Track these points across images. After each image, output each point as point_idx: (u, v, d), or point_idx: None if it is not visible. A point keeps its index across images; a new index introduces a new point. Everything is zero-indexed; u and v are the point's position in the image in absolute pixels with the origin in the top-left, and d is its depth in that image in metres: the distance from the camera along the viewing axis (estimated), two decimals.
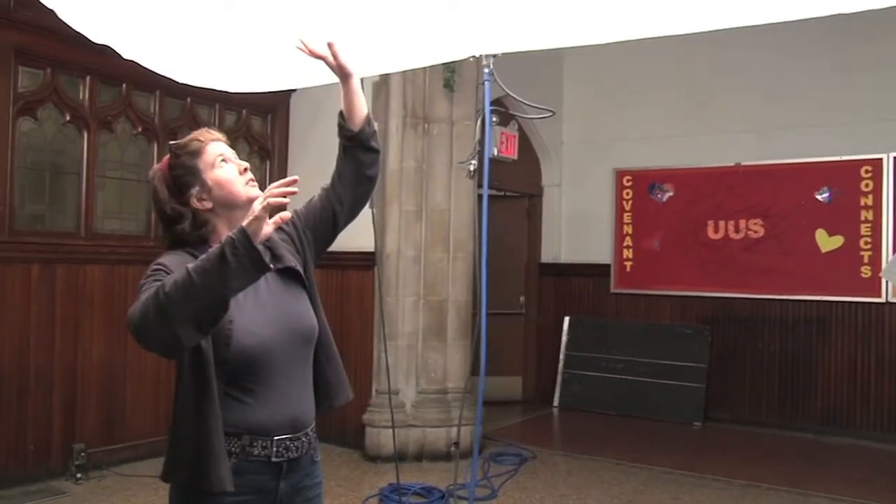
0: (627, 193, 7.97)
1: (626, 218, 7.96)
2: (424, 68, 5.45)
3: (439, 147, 5.83)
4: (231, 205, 1.89)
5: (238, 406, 1.82)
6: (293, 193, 1.61)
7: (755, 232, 7.27)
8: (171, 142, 1.99)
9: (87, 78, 5.25)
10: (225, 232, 1.87)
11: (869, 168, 6.76)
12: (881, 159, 6.71)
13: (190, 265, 1.56)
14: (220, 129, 2.09)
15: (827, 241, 6.94)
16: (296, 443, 1.89)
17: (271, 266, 1.63)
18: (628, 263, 7.95)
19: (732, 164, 7.38)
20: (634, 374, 7.60)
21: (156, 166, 1.96)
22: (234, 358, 1.79)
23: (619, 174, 8.01)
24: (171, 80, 2.65)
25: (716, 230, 7.47)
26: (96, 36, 2.37)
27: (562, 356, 8.04)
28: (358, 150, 2.07)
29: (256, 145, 6.39)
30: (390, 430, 5.22)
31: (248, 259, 1.54)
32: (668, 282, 7.68)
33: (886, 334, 6.71)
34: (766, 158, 7.20)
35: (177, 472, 1.84)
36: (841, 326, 6.91)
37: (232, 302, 1.62)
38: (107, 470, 5.17)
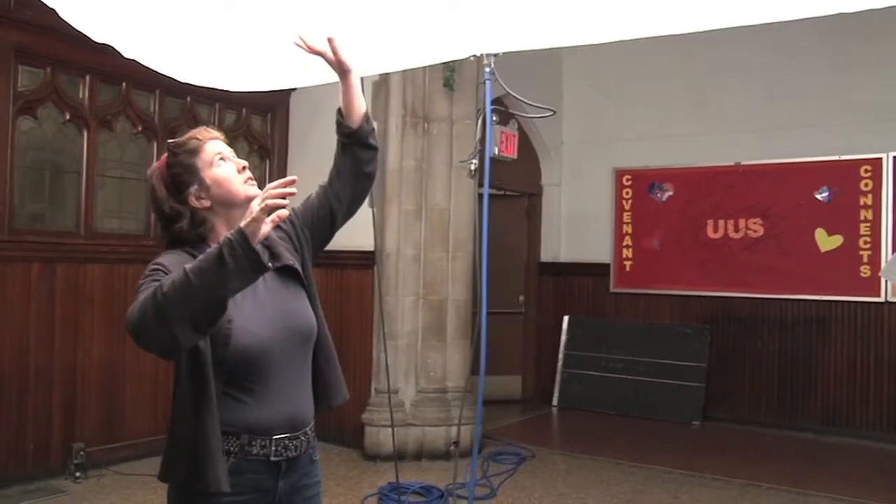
0: (627, 193, 7.98)
1: (626, 217, 7.97)
2: (424, 67, 5.45)
3: (439, 146, 5.83)
4: (229, 203, 1.88)
5: (237, 405, 1.82)
6: (292, 194, 1.60)
7: (755, 231, 7.28)
8: (170, 140, 1.98)
9: (87, 77, 5.25)
10: (223, 231, 1.87)
11: (868, 167, 6.76)
12: (881, 159, 6.72)
13: (188, 266, 1.56)
14: (220, 128, 2.09)
15: (826, 241, 6.94)
16: (294, 442, 1.88)
17: (269, 267, 1.62)
18: (628, 263, 7.95)
19: (732, 163, 7.38)
20: (634, 374, 7.60)
21: (154, 165, 1.95)
22: (232, 357, 1.78)
23: (619, 173, 8.01)
24: (171, 79, 2.65)
25: (715, 230, 7.47)
26: (97, 35, 2.37)
27: (561, 355, 8.04)
28: (356, 147, 2.07)
29: (256, 144, 6.39)
30: (389, 430, 5.23)
31: (246, 260, 1.53)
32: (668, 281, 7.68)
33: (886, 334, 6.72)
34: (765, 158, 7.20)
35: (174, 471, 1.84)
36: (840, 326, 6.91)
37: (230, 301, 1.62)
38: (106, 469, 5.17)
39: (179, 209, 1.87)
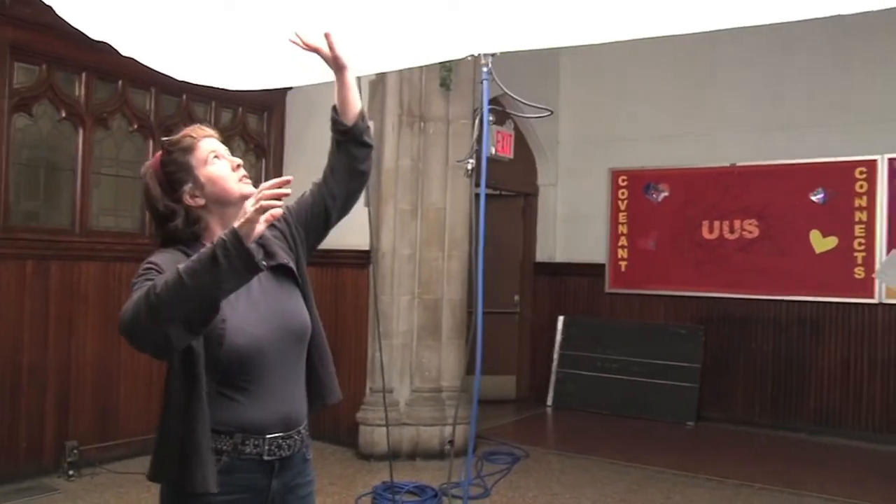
0: (623, 193, 7.99)
1: (622, 217, 7.98)
2: (421, 67, 5.45)
3: (435, 146, 5.82)
4: (224, 201, 1.88)
5: (230, 404, 1.81)
6: (286, 195, 1.59)
7: (750, 232, 7.29)
8: (164, 138, 1.97)
9: (83, 74, 5.24)
10: (218, 229, 1.86)
11: (863, 169, 6.78)
12: (876, 160, 6.74)
13: (181, 266, 1.55)
14: (216, 126, 2.09)
15: (821, 242, 6.96)
16: (288, 441, 1.88)
17: (263, 267, 1.61)
18: (623, 263, 7.96)
19: (728, 164, 7.40)
20: (628, 374, 7.61)
21: (147, 163, 1.94)
22: (226, 357, 1.78)
23: (615, 174, 8.02)
24: (167, 77, 2.65)
25: (711, 230, 7.49)
26: (94, 33, 2.36)
27: (556, 355, 8.05)
28: (351, 144, 2.06)
29: (252, 143, 6.38)
30: (384, 429, 5.22)
31: (239, 261, 1.52)
32: (663, 282, 7.70)
33: (879, 335, 6.74)
34: (761, 159, 7.22)
35: (163, 471, 1.83)
36: (834, 327, 6.93)
37: (224, 300, 1.62)
38: (99, 467, 5.16)
39: (174, 207, 1.86)
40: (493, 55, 2.77)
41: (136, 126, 5.57)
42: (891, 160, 6.68)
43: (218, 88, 2.78)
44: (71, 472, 4.99)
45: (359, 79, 2.13)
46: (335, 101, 2.06)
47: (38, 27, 4.75)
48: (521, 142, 7.08)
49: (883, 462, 6.19)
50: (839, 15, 1.94)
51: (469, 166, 3.62)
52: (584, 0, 2.21)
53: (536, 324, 8.34)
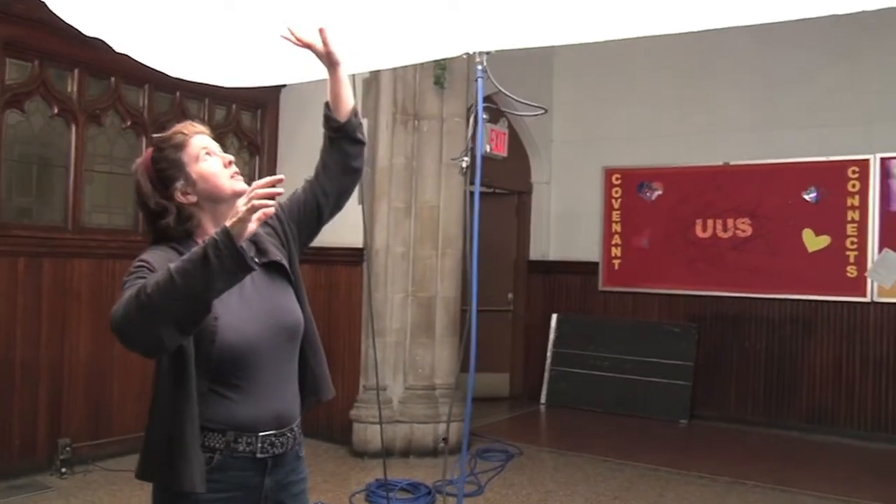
0: (616, 191, 8.00)
1: (615, 216, 7.99)
2: (415, 65, 5.45)
3: (429, 144, 5.82)
4: (216, 198, 1.87)
5: (223, 402, 1.80)
6: (278, 194, 1.58)
7: (743, 231, 7.31)
8: (155, 135, 1.96)
9: (76, 71, 5.22)
10: (210, 226, 1.86)
11: (856, 169, 6.81)
12: (868, 160, 6.76)
13: (172, 265, 1.53)
14: (210, 123, 2.09)
15: (814, 241, 6.98)
16: (281, 439, 1.88)
17: (255, 267, 1.59)
18: (616, 261, 7.97)
19: (721, 163, 7.42)
20: (622, 372, 7.63)
21: (138, 160, 1.92)
22: (219, 355, 1.77)
23: (609, 172, 8.03)
24: (161, 74, 2.64)
25: (704, 229, 7.50)
26: (88, 29, 2.36)
27: (549, 353, 8.06)
28: (344, 141, 2.06)
29: (246, 140, 6.37)
30: (377, 426, 5.22)
31: (231, 260, 1.51)
32: (656, 280, 7.71)
33: (871, 334, 6.77)
34: (754, 158, 7.24)
35: (150, 470, 1.83)
36: (827, 325, 6.96)
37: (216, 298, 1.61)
38: (92, 465, 5.15)
39: (165, 205, 1.85)
40: (487, 53, 2.77)
41: (129, 123, 5.56)
42: (883, 160, 6.71)
43: (211, 85, 2.78)
44: (64, 470, 4.98)
45: (353, 76, 2.13)
46: (328, 97, 2.05)
47: (30, 23, 4.73)
48: (514, 140, 7.07)
49: (874, 460, 6.22)
50: (833, 15, 1.94)
51: (464, 164, 3.62)
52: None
53: (530, 322, 8.34)
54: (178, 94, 5.78)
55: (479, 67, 2.83)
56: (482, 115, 3.04)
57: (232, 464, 1.81)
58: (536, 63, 7.75)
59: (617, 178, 8.00)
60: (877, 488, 5.32)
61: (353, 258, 5.87)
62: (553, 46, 6.14)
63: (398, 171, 5.78)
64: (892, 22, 6.07)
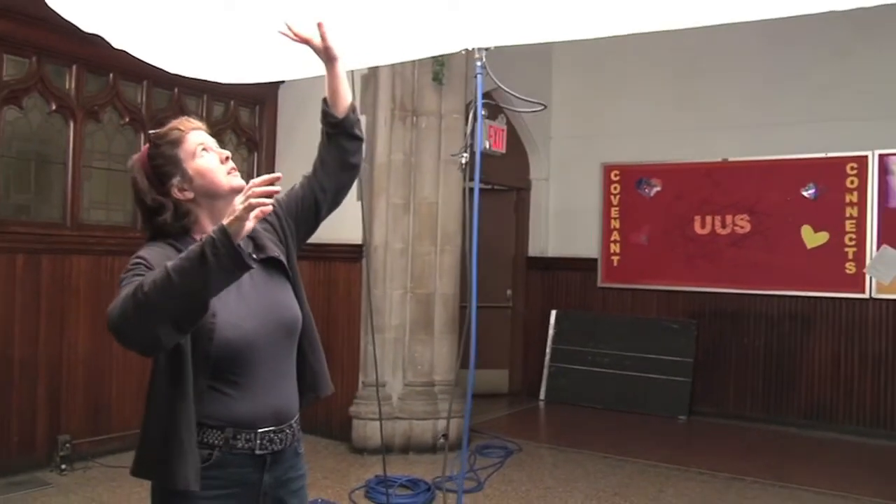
0: (615, 188, 8.00)
1: (614, 212, 7.99)
2: (414, 61, 5.45)
3: (428, 140, 5.82)
4: (213, 195, 1.86)
5: (221, 398, 1.80)
6: (276, 192, 1.58)
7: (741, 227, 7.31)
8: (151, 131, 1.95)
9: (74, 67, 5.21)
10: (207, 223, 1.85)
11: (854, 165, 6.81)
12: (866, 156, 6.76)
13: (169, 264, 1.53)
14: (208, 120, 2.09)
15: (812, 237, 6.99)
16: (280, 435, 1.87)
17: (252, 266, 1.59)
18: (615, 258, 7.97)
19: (720, 159, 7.41)
20: (621, 368, 7.63)
21: (134, 157, 1.91)
22: (217, 352, 1.76)
23: (607, 168, 8.02)
24: (159, 70, 2.64)
25: (702, 225, 7.50)
26: (86, 25, 2.35)
27: (548, 350, 8.07)
28: (342, 137, 2.05)
29: (244, 137, 6.35)
30: (377, 423, 5.22)
31: (228, 258, 1.50)
32: (655, 276, 7.71)
33: (870, 330, 6.77)
34: (753, 154, 7.24)
35: (146, 467, 1.82)
36: (825, 322, 6.96)
37: None
38: (92, 461, 5.14)
39: (162, 201, 1.84)
40: (486, 49, 2.76)
41: (127, 119, 5.55)
42: (881, 156, 6.70)
43: (210, 82, 2.78)
44: (63, 466, 4.98)
45: (351, 73, 2.13)
46: (326, 93, 2.05)
47: (27, 19, 4.73)
48: (513, 136, 7.07)
49: (873, 456, 6.23)
50: (832, 11, 1.94)
51: (463, 160, 3.62)
52: None
53: (529, 318, 8.35)
54: (176, 90, 5.78)
55: (479, 63, 2.83)
56: (481, 112, 3.03)
57: (231, 460, 1.81)
58: (535, 59, 7.75)
59: (615, 175, 7.99)
60: (875, 484, 5.33)
61: (352, 255, 5.87)
62: (552, 43, 6.14)
63: (397, 168, 5.77)
64: (891, 18, 6.07)
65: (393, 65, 5.45)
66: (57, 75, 5.17)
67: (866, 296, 6.76)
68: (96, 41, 2.43)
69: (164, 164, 1.85)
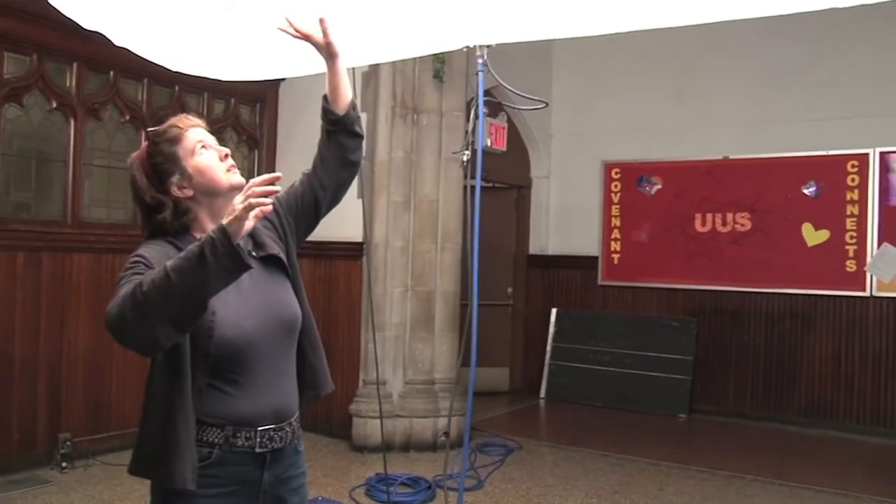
0: (616, 186, 7.99)
1: (614, 210, 7.99)
2: (414, 59, 5.44)
3: (428, 138, 5.82)
4: (213, 192, 1.85)
5: (221, 397, 1.80)
6: (275, 192, 1.57)
7: (742, 225, 7.31)
8: (149, 129, 1.95)
9: (74, 65, 5.21)
10: (207, 220, 1.85)
11: (855, 163, 6.80)
12: (867, 154, 6.75)
13: (168, 264, 1.52)
14: (209, 117, 2.09)
15: (813, 235, 6.98)
16: (279, 433, 1.87)
17: (251, 266, 1.59)
18: (616, 256, 7.97)
19: (720, 157, 7.41)
20: (621, 366, 7.63)
21: (134, 154, 1.90)
22: (216, 350, 1.76)
23: (608, 166, 8.02)
24: (159, 67, 2.64)
25: (703, 223, 7.50)
26: (87, 22, 2.35)
27: (549, 348, 8.07)
28: (342, 134, 2.05)
29: (245, 134, 6.35)
30: (377, 421, 5.23)
31: (227, 259, 1.50)
32: (656, 274, 7.71)
33: (870, 328, 6.77)
34: (753, 152, 7.24)
35: (143, 466, 1.82)
36: (826, 320, 6.96)
37: None
38: (92, 459, 5.14)
39: (161, 199, 1.83)
40: (488, 47, 2.76)
41: (128, 117, 5.54)
42: (882, 154, 6.70)
43: (210, 79, 2.77)
44: (64, 464, 4.98)
45: (352, 70, 2.12)
46: (326, 90, 2.04)
47: (28, 17, 4.73)
48: (513, 134, 7.07)
49: (873, 454, 6.23)
50: (834, 8, 1.94)
51: (465, 158, 3.62)
52: None
53: (529, 316, 8.35)
54: (176, 88, 5.77)
55: (480, 61, 2.82)
56: (483, 109, 3.03)
57: (231, 459, 1.81)
58: (535, 57, 7.75)
59: (616, 173, 7.99)
60: (875, 482, 5.33)
61: (353, 252, 5.87)
62: (552, 40, 6.14)
63: (397, 165, 5.77)
64: (892, 15, 6.06)
65: (394, 62, 5.44)
66: (58, 73, 5.16)
67: (867, 294, 6.76)
68: (97, 39, 2.43)
69: (163, 162, 1.84)
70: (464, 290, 5.30)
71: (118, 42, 2.46)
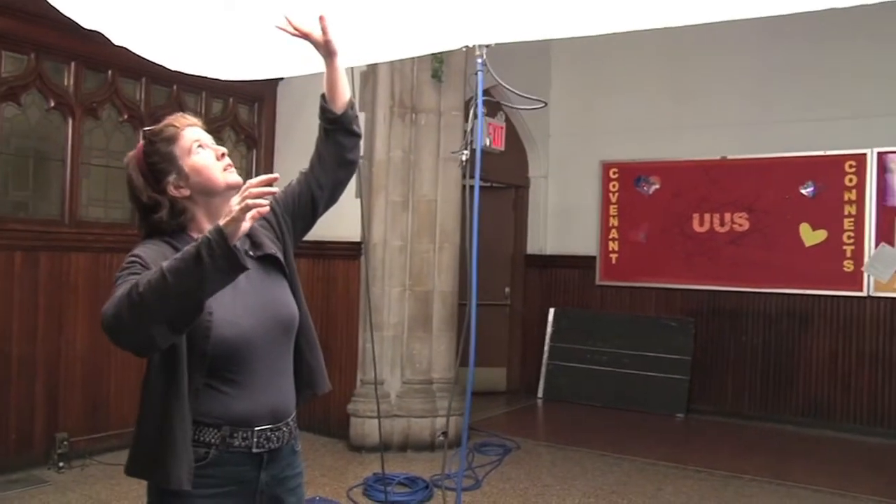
0: (614, 186, 8.00)
1: (612, 210, 7.99)
2: (413, 58, 5.44)
3: (427, 137, 5.81)
4: (209, 192, 1.85)
5: (219, 397, 1.79)
6: (272, 193, 1.57)
7: (740, 225, 7.32)
8: (145, 128, 1.94)
9: (72, 64, 5.20)
10: (204, 220, 1.85)
11: (853, 163, 6.81)
12: (865, 154, 6.76)
13: (164, 265, 1.52)
14: (207, 117, 2.08)
15: (811, 235, 6.99)
16: (276, 433, 1.87)
17: (248, 267, 1.58)
18: (614, 256, 7.97)
19: (718, 157, 7.41)
20: (619, 366, 7.64)
21: (130, 154, 1.89)
22: (214, 350, 1.76)
23: (606, 166, 8.02)
24: (158, 66, 2.63)
25: (701, 223, 7.51)
26: (86, 22, 2.35)
27: (546, 348, 8.07)
28: (340, 133, 2.04)
29: (243, 134, 6.34)
30: (375, 420, 5.22)
31: (224, 260, 1.49)
32: (653, 274, 7.72)
33: (867, 328, 6.78)
34: (751, 152, 7.24)
35: (139, 466, 1.81)
36: (823, 320, 6.97)
37: None
38: (90, 459, 5.14)
39: (158, 199, 1.83)
40: (487, 46, 2.76)
41: (126, 116, 5.54)
42: (880, 154, 6.70)
43: (209, 78, 2.77)
44: (61, 464, 4.98)
45: (350, 69, 2.12)
46: (324, 89, 2.04)
47: (26, 16, 4.72)
48: (511, 134, 7.08)
49: (871, 453, 6.23)
50: (833, 8, 1.94)
51: (463, 157, 3.61)
52: None
53: (527, 316, 8.35)
54: (174, 87, 5.77)
55: (479, 61, 2.82)
56: (482, 109, 3.03)
57: (227, 459, 1.80)
58: (533, 57, 7.75)
59: (614, 173, 7.99)
60: (873, 482, 5.34)
61: (351, 252, 5.87)
62: (550, 40, 6.14)
63: (395, 165, 5.77)
64: (891, 15, 6.07)
65: (392, 62, 5.44)
66: (55, 72, 5.16)
67: (864, 294, 6.77)
68: (95, 38, 2.42)
69: (159, 162, 1.83)
70: (462, 290, 5.29)
71: (117, 41, 2.45)
